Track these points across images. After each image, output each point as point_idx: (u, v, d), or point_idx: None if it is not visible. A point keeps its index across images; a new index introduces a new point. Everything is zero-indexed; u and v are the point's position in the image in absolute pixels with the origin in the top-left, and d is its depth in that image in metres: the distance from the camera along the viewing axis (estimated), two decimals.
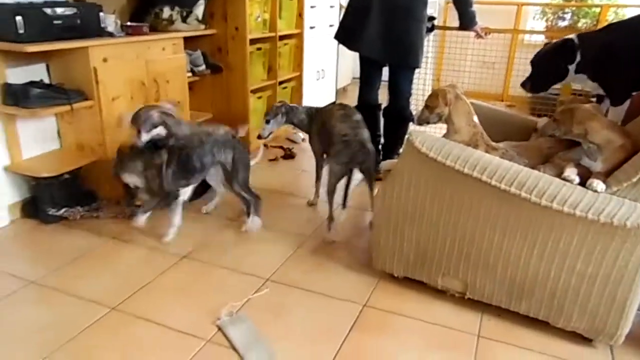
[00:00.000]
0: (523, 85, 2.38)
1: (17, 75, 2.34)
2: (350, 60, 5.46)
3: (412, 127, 3.07)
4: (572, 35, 2.21)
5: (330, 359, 1.62)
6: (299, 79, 4.19)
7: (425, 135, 1.76)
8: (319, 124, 2.58)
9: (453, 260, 1.81)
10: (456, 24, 2.93)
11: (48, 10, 2.20)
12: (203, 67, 3.22)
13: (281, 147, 3.65)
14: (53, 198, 2.42)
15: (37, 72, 2.44)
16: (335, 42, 4.81)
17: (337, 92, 5.18)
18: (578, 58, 2.17)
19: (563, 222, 1.54)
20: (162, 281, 2.00)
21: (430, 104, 1.98)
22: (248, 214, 2.42)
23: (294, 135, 3.85)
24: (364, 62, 2.92)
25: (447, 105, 1.94)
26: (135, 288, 1.94)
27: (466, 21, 2.80)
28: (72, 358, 1.58)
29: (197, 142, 2.24)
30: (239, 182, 2.37)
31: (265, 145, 3.75)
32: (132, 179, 2.23)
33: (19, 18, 2.09)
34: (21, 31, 2.10)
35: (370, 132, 3.09)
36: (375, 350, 1.67)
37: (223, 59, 3.37)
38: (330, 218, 2.37)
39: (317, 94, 4.63)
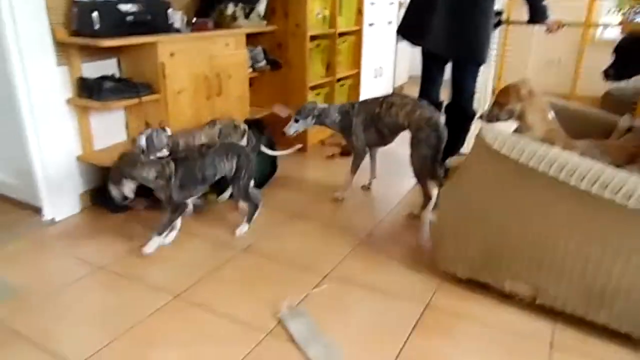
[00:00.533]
0: (606, 73, 2.23)
1: (91, 69, 2.45)
2: (408, 59, 5.37)
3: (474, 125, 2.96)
4: None
5: (392, 359, 1.57)
6: (356, 77, 4.15)
7: (497, 132, 1.67)
8: (364, 116, 2.57)
9: (523, 264, 1.71)
10: (523, 18, 2.79)
11: (121, 7, 2.28)
12: (263, 63, 3.25)
13: (339, 145, 3.62)
14: None
15: (108, 67, 2.54)
16: (394, 39, 4.79)
17: (394, 90, 5.10)
18: None
19: None
20: (224, 272, 2.03)
21: (501, 101, 1.89)
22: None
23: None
24: (427, 58, 2.84)
25: (520, 101, 1.84)
26: (198, 278, 1.97)
27: (538, 15, 2.65)
28: (136, 342, 1.62)
29: (197, 154, 2.19)
30: (239, 188, 2.30)
31: (322, 142, 3.75)
32: (129, 187, 2.11)
33: (94, 14, 2.18)
34: (97, 27, 2.19)
35: None
36: (438, 353, 1.61)
37: (283, 55, 3.39)
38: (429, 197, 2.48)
39: (374, 92, 4.57)
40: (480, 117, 2.06)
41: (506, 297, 1.83)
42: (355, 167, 2.71)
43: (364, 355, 1.58)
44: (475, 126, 2.94)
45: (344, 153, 3.51)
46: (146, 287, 1.92)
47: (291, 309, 1.76)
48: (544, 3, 2.65)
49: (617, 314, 1.57)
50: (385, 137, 2.60)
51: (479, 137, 1.68)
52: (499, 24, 2.95)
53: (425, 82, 2.91)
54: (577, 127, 1.97)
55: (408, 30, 2.79)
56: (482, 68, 2.85)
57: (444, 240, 1.90)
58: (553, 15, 2.71)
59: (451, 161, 2.04)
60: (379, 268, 2.08)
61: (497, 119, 1.93)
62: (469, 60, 2.67)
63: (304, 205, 2.62)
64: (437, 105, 2.95)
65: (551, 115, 1.84)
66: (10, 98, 2.21)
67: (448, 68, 2.87)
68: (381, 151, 2.85)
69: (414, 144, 2.42)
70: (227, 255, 2.14)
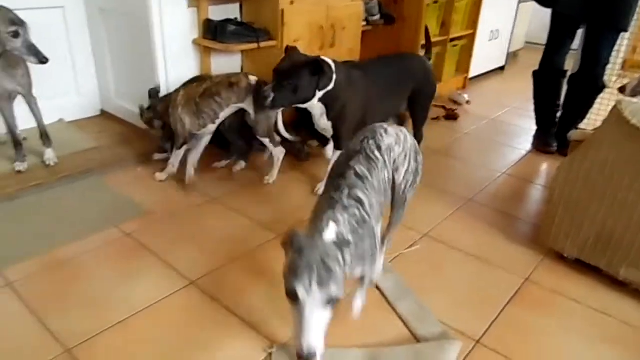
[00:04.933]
0: None
1: (216, 12, 2.56)
2: (527, 23, 4.97)
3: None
4: None
5: (486, 326, 1.56)
6: (471, 38, 3.94)
7: (638, 105, 1.53)
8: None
9: None
10: None
11: None
12: (378, 16, 3.19)
13: (443, 107, 3.51)
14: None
15: (231, 11, 2.65)
16: (515, 1, 4.44)
17: (508, 56, 4.78)
18: None
19: None
20: None
21: None
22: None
23: (458, 96, 3.67)
24: (557, 21, 2.61)
25: None
26: (299, 219, 2.07)
27: None
28: (244, 269, 1.76)
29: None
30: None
31: None
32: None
33: None
34: None
35: (549, 101, 2.83)
36: (535, 326, 1.57)
37: (398, 9, 3.31)
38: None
39: (487, 56, 4.33)
40: (621, 89, 1.88)
41: (618, 284, 1.72)
42: None
43: (456, 318, 1.58)
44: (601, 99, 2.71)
45: (449, 117, 3.41)
46: (254, 222, 2.05)
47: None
48: None
49: None
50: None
51: (615, 110, 1.55)
52: None
53: (552, 47, 2.69)
54: None
55: None
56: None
57: (555, 217, 1.81)
58: None
59: (575, 134, 1.91)
60: (478, 235, 2.05)
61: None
62: (610, 26, 2.41)
63: None
64: (561, 74, 2.74)
65: None
66: (147, 35, 2.39)
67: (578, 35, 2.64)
68: (492, 120, 2.73)
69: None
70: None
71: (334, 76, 2.03)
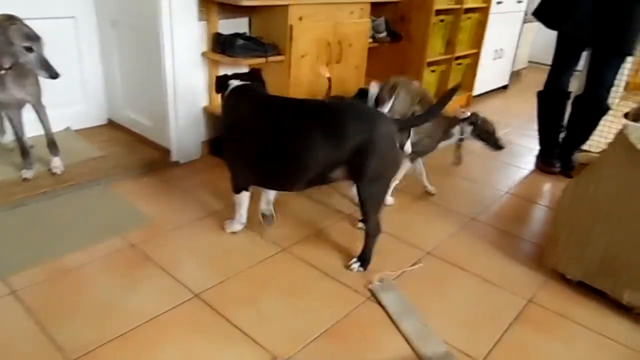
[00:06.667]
0: None
1: (226, 26, 2.60)
2: (530, 43, 5.02)
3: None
4: None
5: (489, 347, 1.56)
6: (475, 57, 3.98)
7: None
8: None
9: None
10: None
11: None
12: (384, 34, 3.23)
13: None
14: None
15: (241, 25, 2.68)
16: (520, 20, 4.50)
17: (512, 75, 4.82)
18: None
19: None
20: (329, 233, 2.11)
21: None
22: None
23: (461, 114, 3.69)
24: (562, 43, 2.64)
25: None
26: (302, 236, 2.07)
27: None
28: (248, 284, 1.76)
29: None
30: None
31: None
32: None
33: None
34: None
35: (553, 121, 2.86)
36: (539, 349, 1.57)
37: (404, 27, 3.34)
38: None
39: (491, 74, 4.37)
40: (626, 115, 1.90)
41: (622, 308, 1.72)
42: None
43: (460, 338, 1.58)
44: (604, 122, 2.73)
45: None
46: (257, 236, 2.05)
47: (383, 282, 1.79)
48: None
49: None
50: None
51: (621, 135, 1.57)
52: None
53: (557, 68, 2.72)
54: None
55: (549, 11, 2.60)
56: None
57: (559, 239, 1.81)
58: None
59: (580, 156, 1.92)
60: (481, 254, 2.05)
61: None
62: (616, 49, 2.44)
63: (409, 182, 2.61)
64: (566, 95, 2.77)
65: None
66: (157, 47, 2.42)
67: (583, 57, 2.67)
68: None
69: None
70: (334, 218, 2.22)
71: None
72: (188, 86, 2.56)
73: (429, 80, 3.57)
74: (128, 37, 2.66)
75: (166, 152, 2.65)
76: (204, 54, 2.58)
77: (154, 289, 1.69)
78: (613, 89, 2.63)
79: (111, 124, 3.00)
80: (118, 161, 2.54)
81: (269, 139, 1.70)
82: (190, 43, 2.47)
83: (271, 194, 2.13)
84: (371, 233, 1.83)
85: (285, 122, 1.69)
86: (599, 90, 2.56)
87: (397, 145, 1.66)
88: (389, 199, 2.40)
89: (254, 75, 2.02)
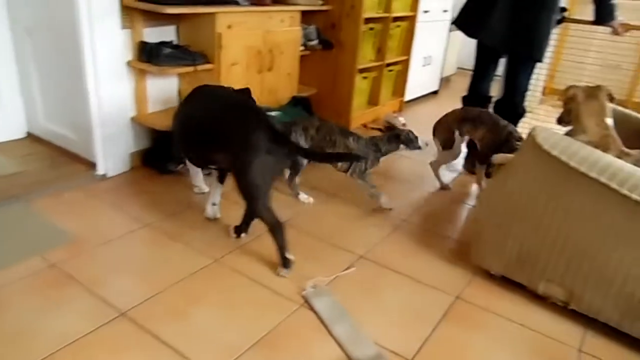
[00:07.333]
0: None
1: (152, 35, 2.53)
2: (458, 50, 5.27)
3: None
4: None
5: (419, 344, 1.61)
6: (405, 63, 4.12)
7: (549, 132, 1.66)
8: None
9: (560, 267, 1.71)
10: (585, 16, 2.71)
11: None
12: (315, 41, 3.27)
13: (380, 129, 3.63)
14: (170, 152, 2.61)
15: (168, 33, 2.63)
16: (447, 28, 4.70)
17: (441, 81, 5.03)
18: None
19: None
20: (262, 242, 2.09)
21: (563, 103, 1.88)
22: None
23: (394, 119, 3.81)
24: (481, 51, 2.79)
25: (576, 103, 1.82)
26: (237, 245, 2.05)
27: (604, 15, 2.57)
28: (177, 297, 1.71)
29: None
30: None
31: (364, 125, 3.76)
32: None
33: None
34: None
35: None
36: (465, 344, 1.64)
37: (335, 35, 3.40)
38: None
39: (421, 80, 4.54)
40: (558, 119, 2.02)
41: (539, 299, 1.84)
42: None
43: (391, 339, 1.62)
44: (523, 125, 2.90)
45: None
46: (189, 247, 2.01)
47: (316, 288, 1.80)
48: (612, 2, 2.56)
49: None
50: None
51: (530, 136, 1.67)
52: (561, 20, 2.86)
53: (477, 75, 2.87)
54: (634, 136, 1.92)
55: (466, 21, 2.74)
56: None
57: (482, 236, 1.91)
58: (621, 17, 2.62)
59: (497, 157, 2.03)
60: (412, 255, 2.11)
61: (567, 124, 1.91)
62: (526, 56, 2.61)
63: (344, 186, 2.65)
64: (487, 99, 2.92)
65: (610, 121, 1.80)
66: (77, 55, 2.32)
67: (502, 63, 2.84)
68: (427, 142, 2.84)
69: None
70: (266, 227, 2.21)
71: None
72: (113, 96, 2.47)
73: (362, 87, 3.65)
74: (45, 46, 2.52)
75: (92, 165, 2.53)
76: (129, 63, 2.49)
77: (76, 309, 1.61)
78: (529, 93, 2.81)
79: (31, 138, 2.84)
80: (38, 176, 2.40)
81: (193, 121, 1.99)
82: (113, 52, 2.39)
83: (217, 198, 2.22)
84: (270, 228, 1.87)
85: (203, 109, 1.97)
86: (515, 95, 2.72)
87: (263, 149, 1.77)
88: (303, 196, 2.48)
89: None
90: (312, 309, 1.71)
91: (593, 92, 1.84)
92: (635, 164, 1.60)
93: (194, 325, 1.59)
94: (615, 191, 1.49)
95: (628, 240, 1.53)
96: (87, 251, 1.93)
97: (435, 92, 4.98)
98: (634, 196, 1.46)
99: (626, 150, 1.75)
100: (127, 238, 2.04)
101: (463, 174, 3.07)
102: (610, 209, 1.53)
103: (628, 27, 2.67)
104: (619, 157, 1.65)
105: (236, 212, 2.10)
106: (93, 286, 1.72)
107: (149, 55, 2.43)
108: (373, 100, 3.91)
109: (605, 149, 1.71)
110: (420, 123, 3.94)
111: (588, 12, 2.67)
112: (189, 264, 1.90)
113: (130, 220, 2.17)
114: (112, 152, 2.55)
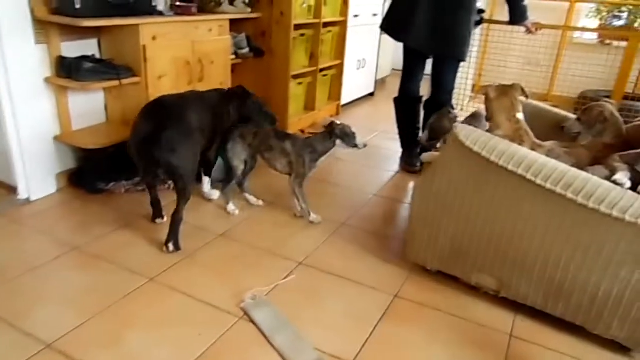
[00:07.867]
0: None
1: (71, 49, 2.42)
2: (391, 52, 5.40)
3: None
4: None
5: (359, 346, 1.63)
6: (339, 68, 4.17)
7: (470, 129, 1.73)
8: None
9: (489, 258, 1.79)
10: (504, 18, 2.86)
11: None
12: (247, 50, 3.25)
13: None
14: (99, 170, 2.51)
15: (89, 47, 2.52)
16: (378, 32, 4.81)
17: (377, 82, 5.14)
18: None
19: (610, 227, 1.49)
20: (199, 257, 2.05)
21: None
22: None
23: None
24: (408, 53, 2.89)
25: (488, 102, 1.93)
26: (173, 262, 1.99)
27: (517, 16, 2.72)
28: (111, 322, 1.64)
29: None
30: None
31: (302, 130, 3.77)
32: None
33: None
34: (77, 6, 2.17)
35: (409, 124, 3.09)
36: (404, 341, 1.67)
37: (266, 43, 3.40)
38: None
39: (356, 83, 4.61)
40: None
41: (473, 290, 1.90)
42: None
43: (332, 343, 1.63)
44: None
45: None
46: (121, 269, 1.93)
47: (255, 299, 1.78)
48: (524, 4, 2.71)
49: (573, 307, 1.66)
50: None
51: (453, 133, 1.74)
52: (480, 22, 3.00)
53: (406, 76, 2.96)
54: (548, 128, 2.04)
55: (391, 25, 2.83)
56: (461, 65, 2.91)
57: (415, 233, 1.96)
58: (532, 17, 2.78)
59: (425, 156, 2.10)
60: (351, 257, 2.14)
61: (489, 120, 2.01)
62: (449, 56, 2.73)
63: (281, 194, 2.64)
64: (417, 100, 3.01)
65: (520, 115, 1.91)
66: None
67: (429, 64, 2.94)
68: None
69: None
70: (203, 240, 2.17)
71: None
72: (32, 115, 2.33)
73: (297, 93, 3.66)
74: None
75: (12, 189, 2.39)
76: (47, 80, 2.37)
77: None
78: (455, 91, 2.92)
79: None
80: None
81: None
82: (28, 68, 2.26)
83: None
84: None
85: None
86: (442, 94, 2.83)
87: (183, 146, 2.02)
88: (231, 207, 2.45)
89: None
90: (252, 320, 1.69)
91: (504, 90, 1.94)
92: (547, 155, 1.70)
93: (128, 349, 1.53)
94: (531, 181, 1.57)
95: (545, 227, 1.62)
96: (8, 282, 1.81)
97: (371, 94, 5.08)
98: (548, 185, 1.55)
99: (538, 142, 1.85)
100: (53, 264, 1.94)
101: (400, 173, 3.14)
102: (528, 198, 1.61)
103: (540, 26, 2.85)
104: (533, 149, 1.74)
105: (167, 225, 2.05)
106: (15, 320, 1.62)
107: (68, 71, 2.32)
108: (309, 105, 3.93)
109: (520, 142, 1.81)
110: (358, 125, 4.00)
111: (505, 13, 2.82)
112: (122, 286, 1.82)
113: (56, 245, 2.06)
114: (35, 174, 2.41)
